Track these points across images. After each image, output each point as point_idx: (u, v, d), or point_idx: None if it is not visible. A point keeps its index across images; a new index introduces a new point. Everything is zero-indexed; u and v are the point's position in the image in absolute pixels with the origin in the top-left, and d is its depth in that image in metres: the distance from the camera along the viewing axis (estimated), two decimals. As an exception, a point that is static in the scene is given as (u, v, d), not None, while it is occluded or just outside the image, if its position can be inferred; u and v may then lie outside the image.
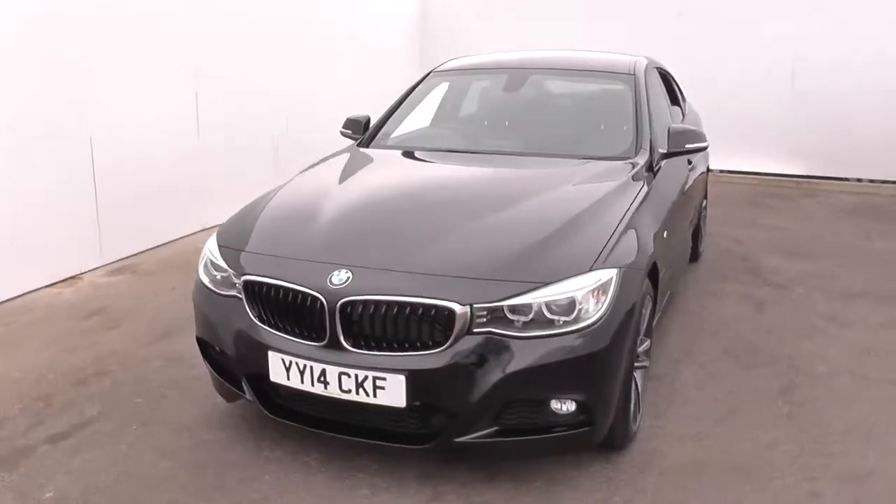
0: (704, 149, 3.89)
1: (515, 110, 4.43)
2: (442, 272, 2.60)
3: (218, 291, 2.90)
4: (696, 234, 5.19)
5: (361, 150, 4.10)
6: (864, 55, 7.93)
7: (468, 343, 2.48)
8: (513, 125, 4.31)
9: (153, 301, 4.56)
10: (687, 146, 3.73)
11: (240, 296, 2.79)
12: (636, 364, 2.89)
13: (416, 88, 4.55)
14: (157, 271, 5.14)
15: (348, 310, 2.54)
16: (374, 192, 3.37)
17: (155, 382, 3.50)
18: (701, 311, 4.46)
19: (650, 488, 2.70)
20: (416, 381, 2.49)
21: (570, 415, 2.59)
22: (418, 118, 4.46)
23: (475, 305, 2.48)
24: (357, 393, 2.53)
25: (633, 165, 3.51)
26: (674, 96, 5.12)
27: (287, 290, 2.65)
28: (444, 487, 2.69)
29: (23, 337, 4.02)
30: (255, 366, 2.74)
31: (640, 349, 2.96)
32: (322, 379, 2.57)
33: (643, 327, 2.96)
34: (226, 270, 2.88)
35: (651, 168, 3.57)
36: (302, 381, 2.60)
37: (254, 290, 2.74)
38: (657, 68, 4.80)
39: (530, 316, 2.50)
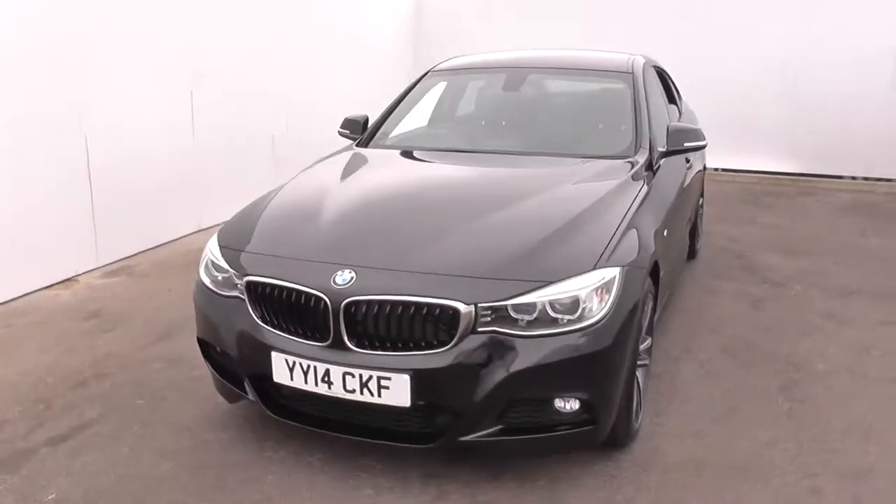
0: (703, 147, 3.90)
1: (514, 109, 4.43)
2: (445, 272, 2.60)
3: (219, 292, 2.89)
4: (693, 232, 5.21)
5: (361, 149, 4.09)
6: (863, 55, 7.97)
7: (472, 342, 2.48)
8: (511, 124, 4.31)
9: (150, 302, 4.54)
10: (686, 144, 3.74)
11: (242, 296, 2.78)
12: (638, 362, 2.90)
13: (415, 88, 4.55)
14: (153, 273, 5.13)
15: (352, 310, 2.54)
16: (376, 192, 3.36)
17: (155, 384, 3.49)
18: (699, 309, 4.47)
19: (653, 486, 2.71)
20: (421, 381, 2.49)
21: (573, 413, 2.60)
22: (417, 117, 4.46)
23: (480, 305, 2.48)
24: (361, 393, 2.53)
25: (633, 164, 3.52)
26: (670, 94, 5.13)
27: (290, 290, 2.64)
28: (448, 487, 2.69)
29: (21, 339, 4.00)
30: (258, 366, 2.73)
31: (642, 347, 2.97)
32: (326, 379, 2.57)
33: (645, 326, 2.97)
34: (227, 271, 2.87)
35: (651, 167, 3.57)
36: (306, 382, 2.60)
37: (257, 291, 2.73)
38: (654, 66, 4.82)
39: (534, 315, 2.50)
